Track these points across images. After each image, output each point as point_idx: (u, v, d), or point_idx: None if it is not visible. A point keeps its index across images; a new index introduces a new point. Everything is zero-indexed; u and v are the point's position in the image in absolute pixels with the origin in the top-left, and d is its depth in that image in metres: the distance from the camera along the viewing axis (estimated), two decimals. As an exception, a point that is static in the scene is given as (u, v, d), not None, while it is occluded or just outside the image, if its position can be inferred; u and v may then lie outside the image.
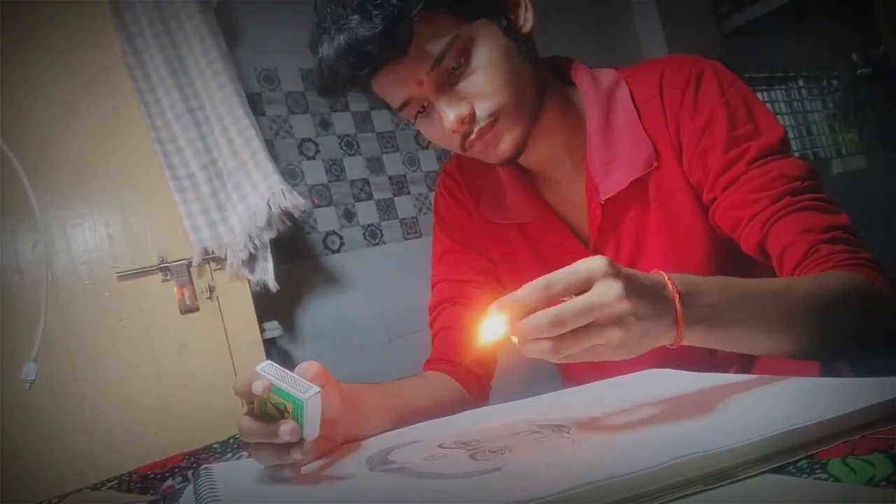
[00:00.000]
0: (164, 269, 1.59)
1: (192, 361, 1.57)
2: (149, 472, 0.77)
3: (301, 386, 0.55)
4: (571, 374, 1.02)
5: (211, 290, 1.63)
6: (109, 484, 0.76)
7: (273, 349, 1.76)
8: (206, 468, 0.62)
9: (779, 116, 2.86)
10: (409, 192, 2.17)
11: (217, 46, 1.68)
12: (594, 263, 0.51)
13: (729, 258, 0.84)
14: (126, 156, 1.60)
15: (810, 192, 0.76)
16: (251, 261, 1.67)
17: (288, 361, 1.78)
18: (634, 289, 0.51)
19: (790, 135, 3.08)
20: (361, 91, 0.81)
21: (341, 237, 2.02)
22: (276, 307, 1.78)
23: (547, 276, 0.51)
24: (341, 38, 0.73)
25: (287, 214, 1.65)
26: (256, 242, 1.64)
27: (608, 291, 0.50)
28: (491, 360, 0.95)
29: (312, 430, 0.56)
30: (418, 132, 0.91)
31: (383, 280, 2.03)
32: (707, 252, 0.85)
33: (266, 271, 1.68)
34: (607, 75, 0.89)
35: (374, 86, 0.79)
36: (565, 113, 0.87)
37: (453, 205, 1.01)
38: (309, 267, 1.94)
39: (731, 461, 0.42)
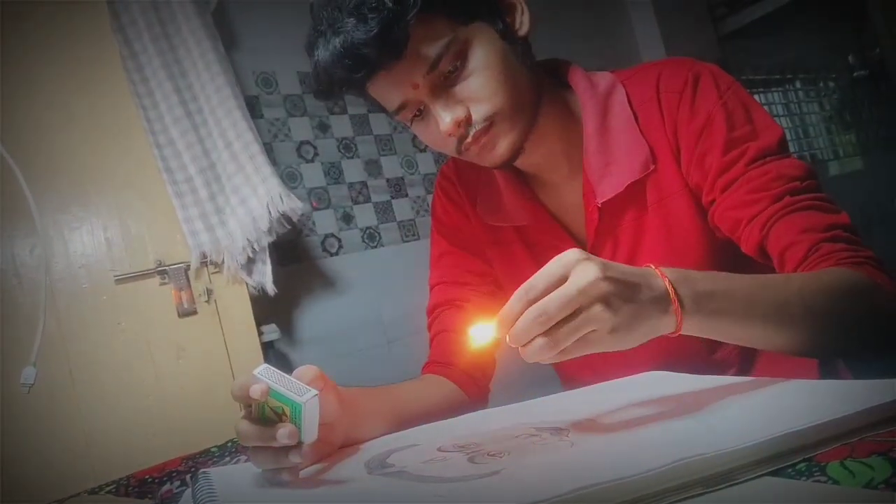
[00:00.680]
0: (162, 273, 1.59)
1: (189, 365, 1.57)
2: (147, 477, 0.77)
3: (299, 389, 0.54)
4: (571, 377, 1.01)
5: (209, 293, 1.63)
6: (107, 488, 0.76)
7: (271, 352, 1.76)
8: (204, 472, 0.62)
9: (776, 118, 2.85)
10: (406, 195, 2.17)
11: (215, 49, 1.69)
12: (567, 255, 0.53)
13: (727, 261, 0.84)
14: (124, 159, 1.60)
15: (810, 192, 0.75)
16: (249, 264, 1.67)
17: (286, 365, 1.78)
18: (611, 270, 0.53)
19: (787, 137, 3.07)
20: (357, 94, 0.81)
21: (340, 240, 2.02)
22: (274, 310, 1.77)
23: (526, 281, 0.53)
24: (337, 41, 0.73)
25: (285, 218, 1.65)
26: (255, 246, 1.64)
27: (584, 275, 0.51)
28: (490, 362, 0.95)
29: (310, 434, 0.56)
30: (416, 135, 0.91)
31: (381, 283, 2.03)
32: (705, 255, 0.85)
33: (264, 274, 1.67)
34: (604, 78, 0.88)
35: (369, 89, 0.79)
36: (562, 116, 0.87)
37: (450, 207, 1.01)
38: (307, 270, 1.94)
39: (730, 464, 0.42)
